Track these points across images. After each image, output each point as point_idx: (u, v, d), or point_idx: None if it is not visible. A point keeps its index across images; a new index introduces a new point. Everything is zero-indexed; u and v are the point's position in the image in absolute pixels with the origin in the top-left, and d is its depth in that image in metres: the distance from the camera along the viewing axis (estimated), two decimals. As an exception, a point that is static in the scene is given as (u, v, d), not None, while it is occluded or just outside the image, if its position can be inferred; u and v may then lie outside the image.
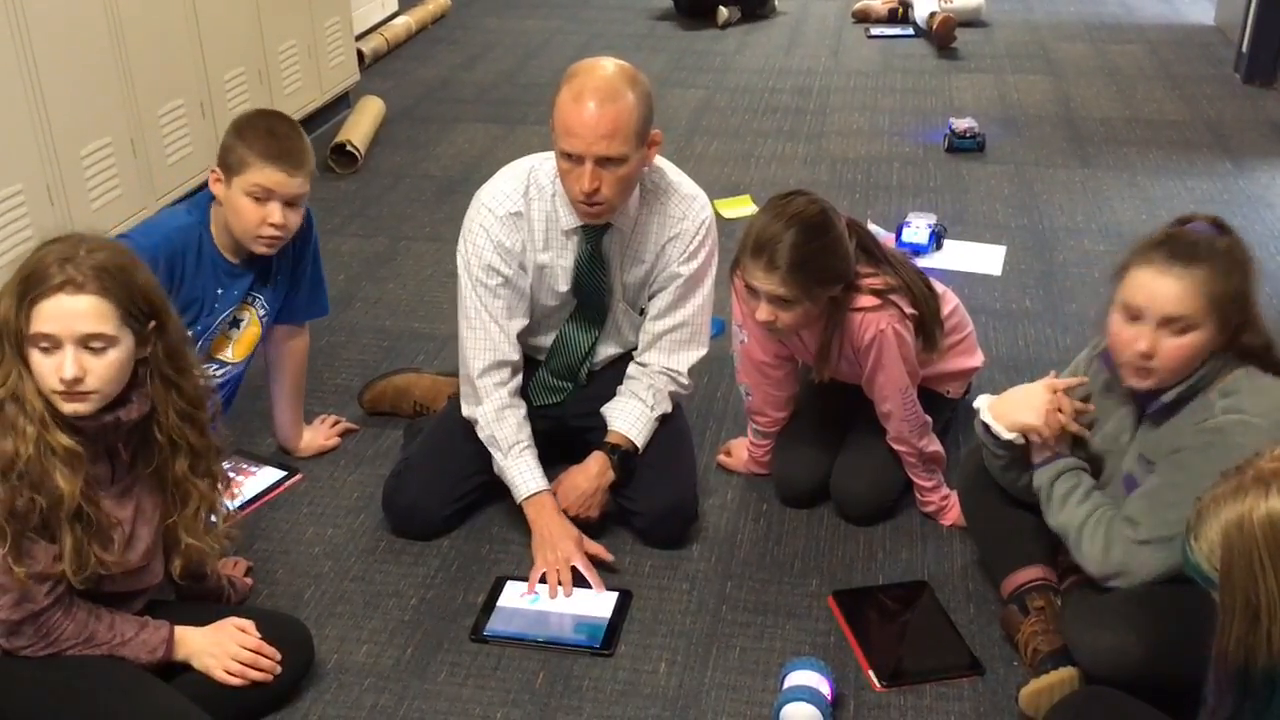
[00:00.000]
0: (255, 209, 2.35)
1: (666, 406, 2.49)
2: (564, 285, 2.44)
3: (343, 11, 4.88)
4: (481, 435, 2.42)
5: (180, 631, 1.96)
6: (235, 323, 2.53)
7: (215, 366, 2.53)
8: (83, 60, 3.32)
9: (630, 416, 2.45)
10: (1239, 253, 1.91)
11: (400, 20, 6.04)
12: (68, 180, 3.25)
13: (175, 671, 1.96)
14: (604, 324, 2.53)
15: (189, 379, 1.88)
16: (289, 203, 2.38)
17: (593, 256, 2.40)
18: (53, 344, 1.74)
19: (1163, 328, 1.90)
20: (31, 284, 1.74)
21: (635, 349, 2.55)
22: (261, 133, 2.37)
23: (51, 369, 1.74)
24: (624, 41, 6.14)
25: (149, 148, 3.60)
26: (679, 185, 2.43)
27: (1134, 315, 1.92)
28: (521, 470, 2.40)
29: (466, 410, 2.45)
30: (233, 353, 2.55)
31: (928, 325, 2.40)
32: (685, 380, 2.51)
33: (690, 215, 2.42)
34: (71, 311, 1.73)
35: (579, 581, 2.34)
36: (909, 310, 2.36)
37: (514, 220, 2.38)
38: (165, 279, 2.29)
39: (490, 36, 6.24)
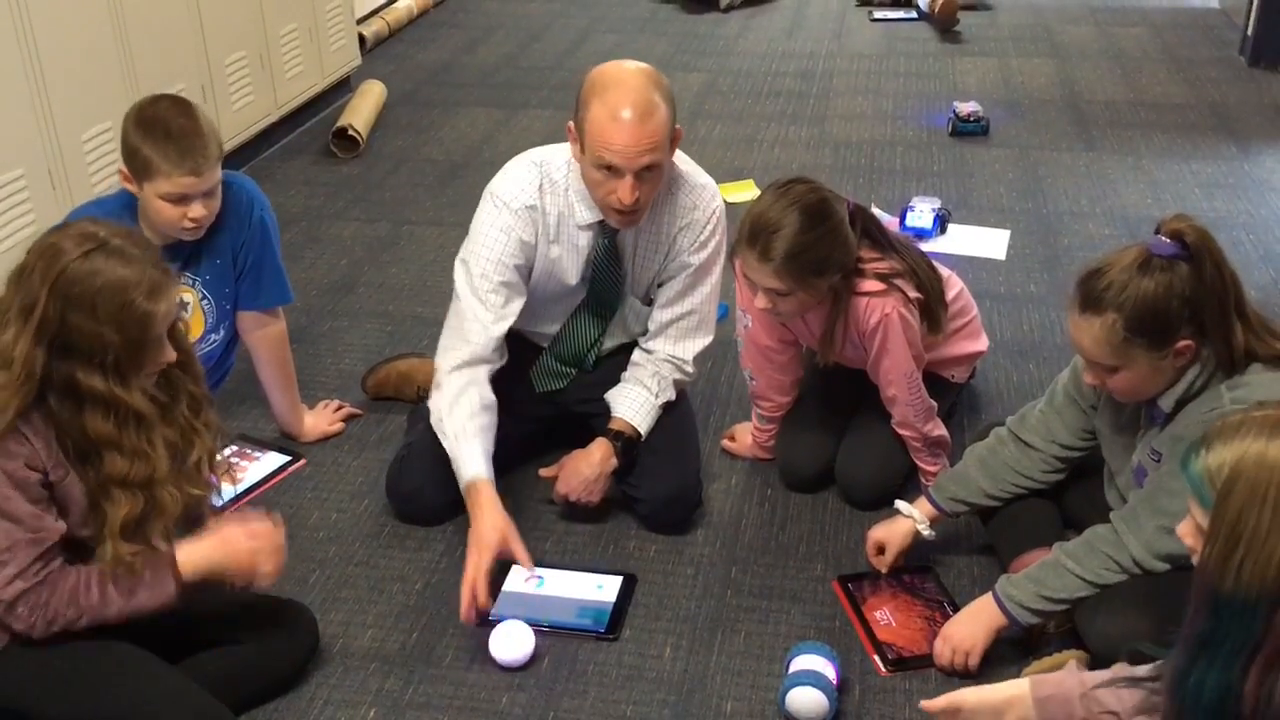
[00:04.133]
0: (173, 209, 2.35)
1: (671, 394, 2.49)
2: (574, 278, 2.42)
3: (344, -5, 4.87)
4: (432, 420, 2.34)
5: (182, 552, 1.89)
6: (182, 306, 2.52)
7: None
8: (84, 44, 3.31)
9: (634, 404, 2.45)
10: (1179, 281, 1.83)
11: (401, 4, 6.02)
12: (69, 165, 3.24)
13: (181, 655, 1.96)
14: (614, 316, 2.52)
15: (178, 332, 1.91)
16: (206, 193, 2.36)
17: (609, 250, 2.38)
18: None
19: (1096, 367, 1.93)
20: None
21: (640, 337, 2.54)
22: (160, 135, 2.30)
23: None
24: (626, 25, 6.12)
25: (150, 132, 3.59)
26: (690, 175, 2.42)
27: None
28: (462, 457, 2.27)
29: (431, 399, 2.37)
30: None
31: (932, 308, 2.40)
32: (690, 369, 2.51)
33: (701, 205, 2.41)
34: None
35: (584, 567, 2.35)
36: (914, 294, 2.36)
37: (529, 214, 2.35)
38: None
39: (492, 20, 6.21)
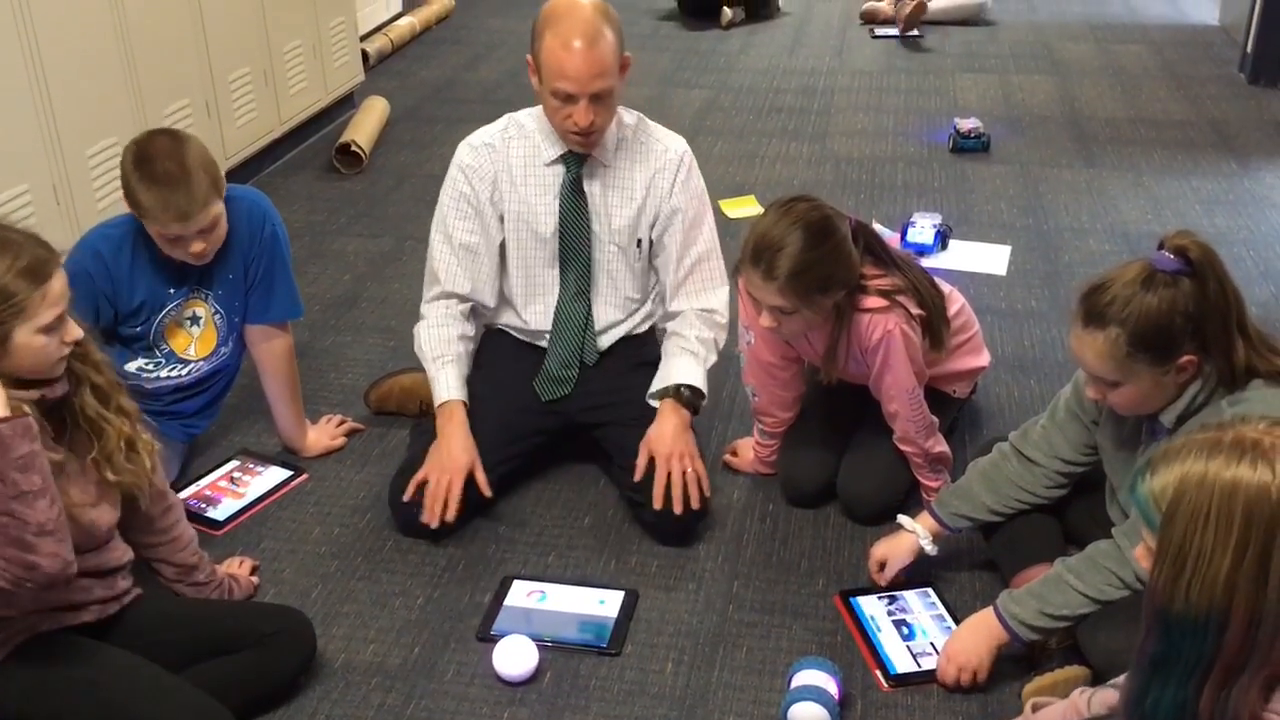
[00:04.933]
0: (176, 245, 2.38)
1: (713, 357, 2.57)
2: (546, 225, 2.52)
3: (347, 12, 4.89)
4: (415, 347, 2.57)
5: None
6: (195, 320, 2.55)
7: (180, 365, 2.57)
8: (89, 60, 3.33)
9: (685, 369, 2.50)
10: (1182, 296, 1.84)
11: (404, 21, 6.05)
12: (74, 180, 3.26)
13: (187, 664, 1.96)
14: (591, 282, 2.57)
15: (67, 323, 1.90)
16: (202, 231, 2.36)
17: (574, 184, 2.49)
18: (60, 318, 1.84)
19: (1099, 382, 1.94)
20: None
21: (636, 312, 2.63)
22: (149, 179, 2.30)
23: (59, 341, 1.84)
24: (627, 41, 6.05)
25: (155, 148, 3.60)
26: (658, 129, 2.59)
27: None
28: (440, 380, 2.50)
29: (416, 327, 2.61)
30: (195, 350, 2.57)
31: (934, 325, 2.41)
32: (722, 319, 2.60)
33: (671, 147, 2.56)
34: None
35: (586, 582, 2.35)
36: (916, 311, 2.36)
37: (487, 150, 2.53)
38: (107, 286, 2.40)
39: (494, 37, 6.24)
